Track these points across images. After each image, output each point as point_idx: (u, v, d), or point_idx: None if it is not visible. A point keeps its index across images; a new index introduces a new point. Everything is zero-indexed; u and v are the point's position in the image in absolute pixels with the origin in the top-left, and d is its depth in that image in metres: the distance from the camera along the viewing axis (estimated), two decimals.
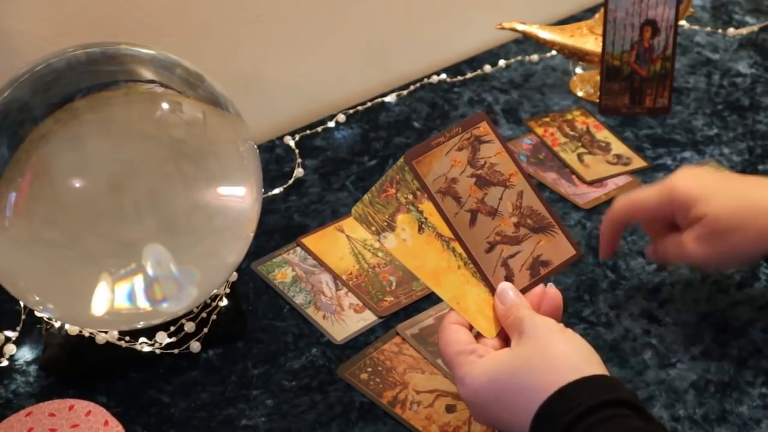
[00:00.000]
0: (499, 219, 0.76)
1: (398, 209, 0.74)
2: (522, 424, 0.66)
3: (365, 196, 0.74)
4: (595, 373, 0.66)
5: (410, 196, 0.74)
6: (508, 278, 0.75)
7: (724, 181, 0.83)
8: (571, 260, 0.77)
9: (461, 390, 0.70)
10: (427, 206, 0.74)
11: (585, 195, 1.02)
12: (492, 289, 0.74)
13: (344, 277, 0.92)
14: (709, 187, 0.81)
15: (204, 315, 0.85)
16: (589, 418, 0.63)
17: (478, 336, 0.73)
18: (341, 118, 1.13)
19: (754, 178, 0.87)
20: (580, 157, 1.06)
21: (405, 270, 0.91)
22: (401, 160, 0.74)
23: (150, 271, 0.74)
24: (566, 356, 0.67)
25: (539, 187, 1.00)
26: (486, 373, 0.69)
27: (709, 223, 0.79)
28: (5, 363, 0.84)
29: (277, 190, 1.03)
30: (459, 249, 0.75)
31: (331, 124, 1.12)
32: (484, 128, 0.76)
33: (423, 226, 0.74)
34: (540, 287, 0.75)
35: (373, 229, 0.74)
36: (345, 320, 0.88)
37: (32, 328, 0.87)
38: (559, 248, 0.77)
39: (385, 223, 0.74)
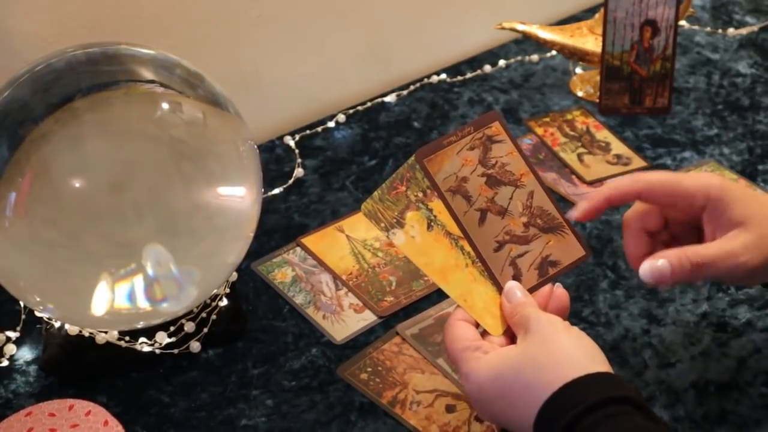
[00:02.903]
0: (508, 218, 0.76)
1: (408, 206, 0.74)
2: (526, 420, 0.66)
3: (375, 193, 0.74)
4: (599, 370, 0.66)
5: (420, 194, 0.74)
6: (516, 277, 0.75)
7: (734, 183, 0.74)
8: (580, 261, 0.77)
9: (466, 386, 0.70)
10: (436, 204, 0.74)
11: (585, 195, 1.01)
12: (499, 288, 0.74)
13: (344, 277, 0.92)
14: (734, 188, 0.73)
15: (204, 315, 0.85)
16: (593, 415, 0.63)
17: (484, 334, 0.73)
18: (341, 118, 1.13)
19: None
20: (580, 157, 1.06)
21: (405, 270, 0.92)
22: (412, 158, 0.74)
23: (150, 271, 0.74)
24: (571, 354, 0.67)
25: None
26: (491, 369, 0.69)
27: (759, 225, 0.71)
28: (5, 363, 0.84)
29: (277, 190, 1.03)
30: (467, 247, 0.75)
31: (331, 124, 1.12)
32: (496, 128, 0.76)
33: (432, 223, 0.74)
34: (548, 287, 0.75)
35: (383, 225, 0.74)
36: (345, 320, 0.88)
37: (32, 328, 0.87)
38: (568, 249, 0.76)
39: (395, 220, 0.74)
